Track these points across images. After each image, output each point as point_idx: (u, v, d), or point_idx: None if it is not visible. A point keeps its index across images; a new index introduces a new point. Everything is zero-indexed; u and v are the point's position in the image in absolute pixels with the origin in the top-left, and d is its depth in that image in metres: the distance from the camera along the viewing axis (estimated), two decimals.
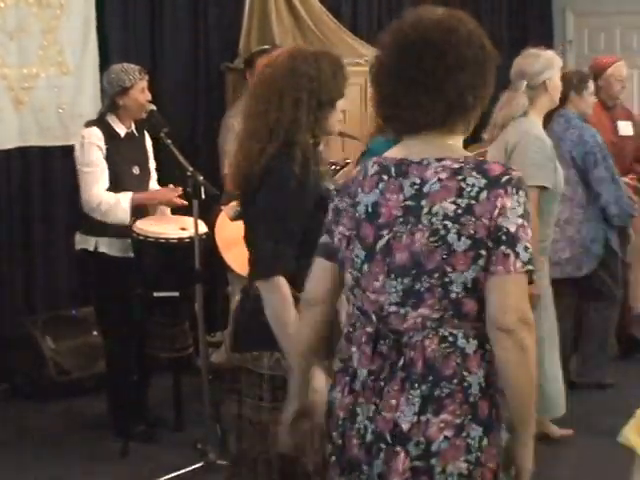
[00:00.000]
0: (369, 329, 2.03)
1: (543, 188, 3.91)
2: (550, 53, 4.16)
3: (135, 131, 4.21)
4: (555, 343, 4.13)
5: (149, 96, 4.09)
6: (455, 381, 1.93)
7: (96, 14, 4.89)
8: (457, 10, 2.07)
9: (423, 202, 1.94)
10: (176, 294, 3.94)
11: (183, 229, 3.80)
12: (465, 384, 1.94)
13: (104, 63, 4.73)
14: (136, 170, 4.17)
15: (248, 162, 2.64)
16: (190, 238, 3.61)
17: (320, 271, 2.15)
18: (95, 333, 4.62)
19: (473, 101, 1.98)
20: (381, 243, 2.00)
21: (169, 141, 3.97)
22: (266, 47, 4.97)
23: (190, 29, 5.40)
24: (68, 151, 4.40)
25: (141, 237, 3.90)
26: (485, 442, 1.94)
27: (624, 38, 7.51)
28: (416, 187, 1.96)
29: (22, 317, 4.71)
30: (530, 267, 1.88)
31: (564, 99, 4.67)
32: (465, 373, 1.95)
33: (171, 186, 4.15)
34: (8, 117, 4.55)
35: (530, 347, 1.90)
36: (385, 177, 2.01)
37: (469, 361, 1.95)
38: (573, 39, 7.80)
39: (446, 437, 1.92)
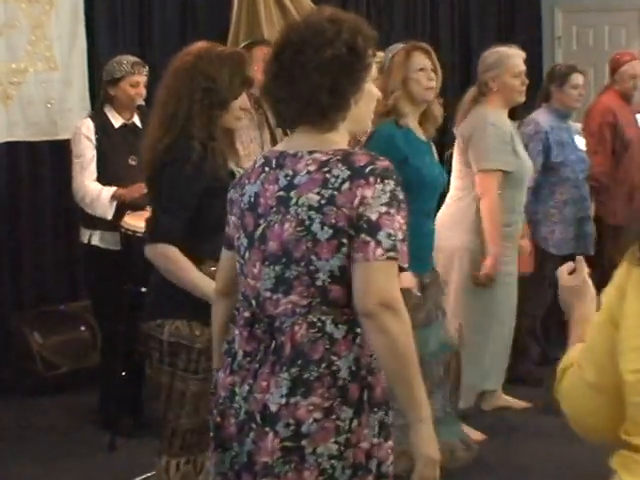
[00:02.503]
0: (247, 313, 2.10)
1: (504, 172, 4.01)
2: (506, 53, 4.20)
3: (138, 122, 4.22)
4: (506, 323, 4.18)
5: (143, 91, 4.12)
6: (324, 365, 1.99)
7: (84, 10, 4.92)
8: (346, 12, 2.15)
9: (292, 193, 2.00)
10: None
11: None
12: (334, 368, 2.00)
13: (92, 59, 4.82)
14: (133, 161, 4.13)
15: (151, 149, 2.79)
16: None
17: (224, 261, 2.24)
18: (83, 328, 4.67)
19: (330, 100, 2.02)
20: (258, 232, 2.06)
21: None
22: (259, 39, 4.92)
23: (178, 26, 5.43)
24: (56, 146, 4.49)
25: (129, 232, 3.91)
26: (355, 424, 2.01)
27: (612, 35, 7.59)
28: (288, 179, 2.02)
29: (10, 313, 4.72)
30: (393, 254, 1.93)
31: (548, 93, 4.88)
32: (334, 357, 2.00)
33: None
34: None
35: (394, 330, 1.93)
36: (267, 169, 2.08)
37: (338, 346, 2.01)
38: (562, 36, 7.87)
39: (315, 419, 1.98)
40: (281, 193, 2.04)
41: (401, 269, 1.99)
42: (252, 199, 2.09)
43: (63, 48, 4.81)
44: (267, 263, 2.05)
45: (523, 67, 4.20)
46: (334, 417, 2.00)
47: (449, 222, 4.22)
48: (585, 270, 1.81)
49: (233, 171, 2.89)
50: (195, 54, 2.80)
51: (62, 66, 4.81)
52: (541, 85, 5.03)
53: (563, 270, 1.83)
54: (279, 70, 2.08)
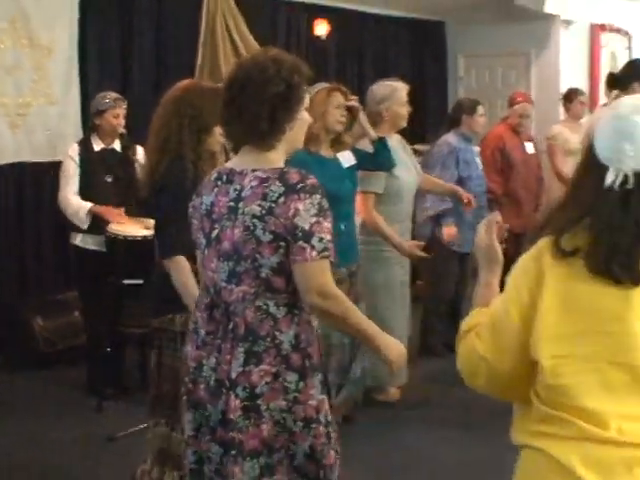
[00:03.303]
0: (207, 299, 2.30)
1: (376, 193, 4.27)
2: (394, 87, 4.45)
3: (118, 147, 4.56)
4: (401, 313, 4.37)
5: (122, 121, 4.48)
6: (269, 339, 2.20)
7: (78, 54, 5.38)
8: (287, 54, 2.31)
9: (240, 204, 2.19)
10: (141, 281, 4.16)
11: (147, 228, 4.06)
12: (277, 341, 2.21)
13: (84, 94, 5.31)
14: (109, 179, 4.51)
15: (150, 170, 2.98)
16: (151, 236, 3.73)
17: (199, 259, 2.46)
18: (76, 314, 5.00)
19: (268, 125, 2.21)
20: (214, 234, 2.26)
21: (135, 157, 4.47)
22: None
23: (154, 68, 5.92)
24: (55, 165, 4.80)
25: (113, 236, 4.27)
26: (302, 385, 2.23)
27: (504, 75, 8.32)
28: (237, 192, 2.21)
29: (17, 301, 5.11)
30: (325, 254, 2.15)
31: (458, 120, 5.33)
32: (277, 333, 2.21)
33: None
34: (5, 138, 4.96)
35: (335, 311, 2.20)
36: (219, 183, 2.28)
37: (280, 324, 2.22)
38: (463, 76, 8.57)
39: (266, 382, 2.20)
40: (231, 204, 2.22)
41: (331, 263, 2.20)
42: (208, 207, 2.27)
43: (60, 86, 5.22)
44: (222, 259, 2.24)
45: (406, 98, 4.44)
46: (281, 380, 2.21)
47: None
48: (494, 232, 1.85)
49: None
50: (182, 88, 3.03)
51: (60, 100, 5.22)
52: (448, 115, 5.57)
53: (481, 225, 1.88)
54: (229, 100, 2.25)
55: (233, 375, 2.19)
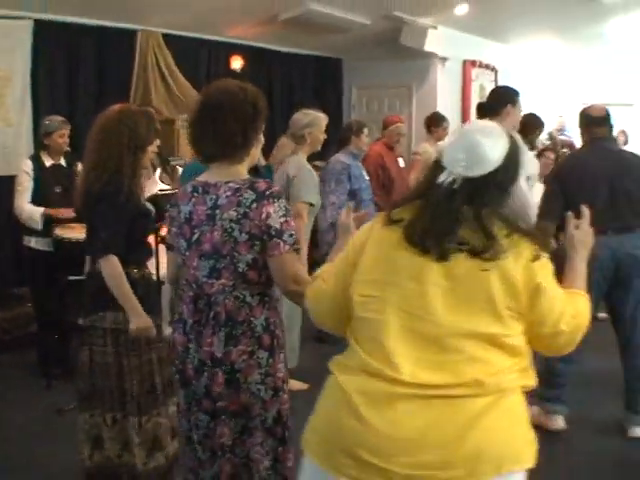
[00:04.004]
0: (190, 293, 2.37)
1: (310, 204, 4.43)
2: (316, 115, 4.59)
3: (64, 162, 4.77)
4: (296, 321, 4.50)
5: (67, 141, 4.73)
6: (245, 324, 2.30)
7: (30, 85, 5.73)
8: (246, 83, 2.39)
9: (217, 211, 2.26)
10: (83, 277, 3.79)
11: None
12: (252, 325, 2.32)
13: (36, 118, 5.58)
14: (58, 189, 4.70)
15: (88, 184, 2.91)
16: None
17: (170, 259, 2.57)
18: (29, 305, 5.23)
19: (243, 142, 2.29)
20: (194, 237, 2.32)
21: (78, 171, 4.44)
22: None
23: (95, 95, 6.28)
24: (10, 179, 4.96)
25: (59, 239, 4.51)
26: (271, 361, 2.35)
27: (390, 104, 8.91)
28: (213, 201, 2.28)
29: None
30: (296, 246, 2.26)
31: (348, 140, 5.59)
32: (252, 319, 2.31)
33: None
34: None
35: (304, 291, 2.10)
36: (196, 194, 2.34)
37: (254, 310, 2.32)
38: (355, 104, 9.25)
39: (243, 360, 2.30)
40: (209, 211, 2.29)
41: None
42: (187, 215, 2.34)
43: (17, 111, 5.57)
44: (203, 258, 2.30)
45: (325, 127, 4.61)
46: (255, 357, 2.32)
47: None
48: (350, 214, 2.06)
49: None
50: (118, 111, 2.98)
51: (15, 123, 5.58)
52: (339, 135, 5.77)
53: (343, 211, 2.09)
54: (202, 120, 2.31)
55: (218, 354, 2.30)
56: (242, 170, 2.35)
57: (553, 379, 4.07)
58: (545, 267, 1.78)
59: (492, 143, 1.77)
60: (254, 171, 3.58)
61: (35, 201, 4.68)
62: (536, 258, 1.75)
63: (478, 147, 1.75)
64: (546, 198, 4.12)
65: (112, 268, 2.82)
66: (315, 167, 5.27)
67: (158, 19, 6.52)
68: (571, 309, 1.84)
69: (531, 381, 1.81)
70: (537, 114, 5.95)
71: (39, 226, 4.63)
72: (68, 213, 4.49)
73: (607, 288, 3.95)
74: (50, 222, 4.64)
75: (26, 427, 4.12)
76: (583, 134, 4.29)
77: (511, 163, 1.80)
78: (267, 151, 4.49)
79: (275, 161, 4.53)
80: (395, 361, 1.71)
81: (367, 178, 5.72)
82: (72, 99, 6.22)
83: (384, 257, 1.78)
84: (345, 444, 1.72)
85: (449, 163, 1.77)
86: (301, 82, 8.64)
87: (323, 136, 4.57)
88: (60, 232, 4.57)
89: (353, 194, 5.48)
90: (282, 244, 2.24)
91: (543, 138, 6.93)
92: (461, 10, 7.62)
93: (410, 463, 1.67)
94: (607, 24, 9.47)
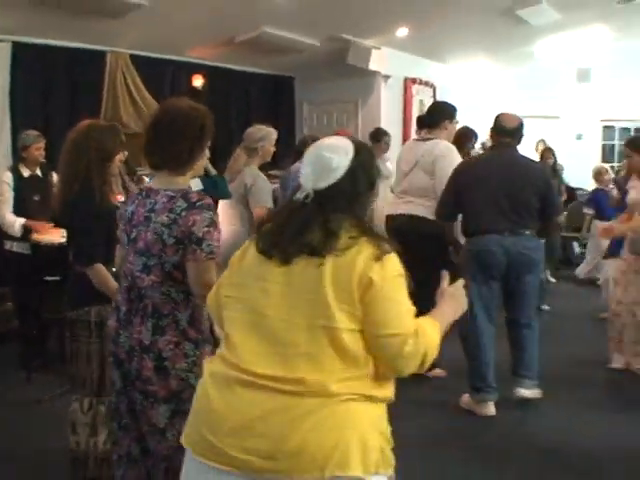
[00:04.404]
0: (126, 284, 2.41)
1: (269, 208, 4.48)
2: (268, 130, 4.73)
3: (40, 173, 4.90)
4: None
5: (43, 153, 4.87)
6: (170, 317, 2.33)
7: (9, 102, 6.02)
8: (198, 104, 2.41)
9: (153, 215, 2.30)
10: (59, 278, 4.44)
11: (63, 237, 4.03)
12: (177, 318, 2.34)
13: (14, 133, 5.79)
14: (37, 197, 4.84)
15: (63, 195, 2.98)
16: (66, 243, 3.50)
17: (118, 253, 2.60)
18: (9, 304, 5.35)
19: (188, 157, 2.34)
20: (133, 235, 2.37)
21: (53, 181, 4.65)
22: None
23: (68, 111, 6.41)
24: None
25: (37, 242, 4.71)
26: (197, 352, 2.36)
27: (338, 118, 9.14)
28: (151, 205, 2.32)
29: None
30: (212, 256, 2.27)
31: (302, 152, 5.19)
32: (177, 313, 2.34)
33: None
34: None
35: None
36: (140, 197, 2.38)
37: (179, 305, 2.35)
38: (307, 118, 9.39)
39: (170, 349, 2.32)
40: (147, 214, 2.32)
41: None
42: (130, 215, 2.39)
43: None
44: (137, 255, 2.34)
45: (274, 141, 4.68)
46: (181, 347, 2.34)
47: (232, 238, 4.35)
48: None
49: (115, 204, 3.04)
50: (87, 126, 3.07)
51: None
52: (295, 148, 5.87)
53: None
54: (154, 134, 2.34)
55: (146, 342, 2.34)
56: (182, 181, 2.40)
57: (480, 369, 4.22)
58: (385, 268, 1.76)
59: (335, 156, 1.83)
60: (205, 176, 3.90)
61: (15, 209, 4.79)
62: (378, 258, 1.75)
63: (322, 160, 1.82)
64: (442, 196, 4.34)
65: (99, 276, 2.91)
66: (271, 176, 5.51)
67: (126, 41, 6.71)
68: (415, 323, 1.79)
69: (382, 393, 1.80)
70: (471, 127, 6.12)
71: (18, 234, 4.78)
72: (45, 230, 4.67)
73: (501, 278, 4.21)
74: (29, 231, 4.79)
75: (8, 415, 4.17)
76: (492, 138, 4.46)
77: (356, 173, 1.84)
78: (224, 161, 4.58)
79: (232, 171, 4.64)
80: (238, 351, 1.77)
81: None
82: (47, 115, 6.38)
83: (245, 264, 1.86)
84: (197, 424, 1.79)
85: (302, 180, 1.85)
86: (257, 98, 8.77)
87: (273, 149, 4.75)
88: (37, 237, 4.75)
89: None
90: (199, 252, 2.28)
91: (477, 148, 7.07)
92: (402, 32, 7.98)
93: (238, 446, 1.70)
94: (535, 44, 9.98)
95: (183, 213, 2.27)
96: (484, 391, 4.24)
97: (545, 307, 6.74)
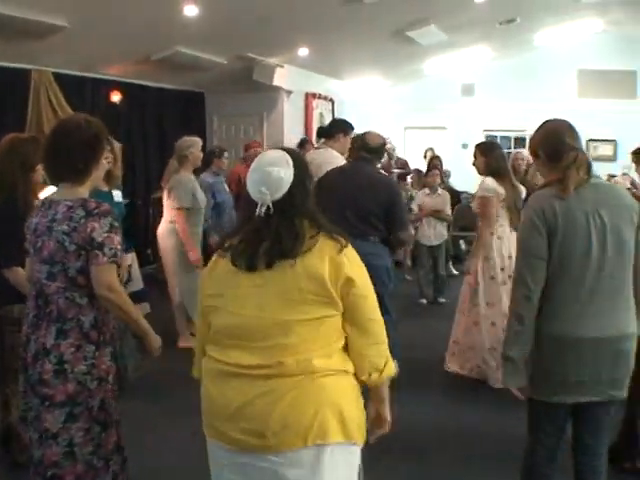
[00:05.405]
0: (33, 292, 2.49)
1: (186, 208, 5.04)
2: (196, 140, 5.26)
3: None
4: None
5: None
6: (75, 320, 2.40)
7: None
8: (93, 117, 2.49)
9: (54, 224, 2.38)
10: None
11: None
12: (80, 322, 2.41)
13: None
14: None
15: None
16: None
17: (27, 263, 2.65)
18: None
19: (84, 167, 2.40)
20: (38, 245, 2.45)
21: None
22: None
23: None
24: None
25: None
26: (97, 354, 2.43)
27: (245, 130, 9.46)
28: (52, 215, 2.40)
29: None
30: (113, 259, 2.35)
31: (210, 162, 6.13)
32: (81, 316, 2.41)
33: None
34: None
35: (118, 301, 2.36)
36: (43, 209, 2.46)
37: (83, 309, 2.41)
38: (216, 130, 9.70)
39: (71, 352, 2.38)
40: (48, 224, 2.40)
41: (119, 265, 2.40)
42: (33, 226, 2.47)
43: None
44: (43, 263, 2.42)
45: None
46: (82, 350, 2.40)
47: (166, 235, 5.20)
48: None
49: None
50: (10, 139, 3.21)
51: None
52: (204, 158, 5.85)
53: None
54: (52, 147, 2.42)
55: (48, 346, 2.38)
56: (82, 191, 2.46)
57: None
58: (350, 259, 1.94)
59: (280, 168, 1.93)
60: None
61: None
62: (339, 251, 1.92)
63: (271, 175, 1.91)
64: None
65: (16, 278, 3.02)
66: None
67: (49, 60, 6.81)
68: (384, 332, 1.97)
69: (353, 366, 1.95)
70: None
71: None
72: None
73: None
74: None
75: None
76: (352, 152, 4.53)
77: (301, 176, 1.98)
78: (135, 170, 4.99)
79: (165, 180, 5.04)
80: (225, 350, 1.93)
81: (228, 190, 6.45)
82: None
83: (217, 276, 1.99)
84: (205, 413, 1.99)
85: (258, 198, 1.91)
86: (170, 112, 9.05)
87: (201, 154, 5.32)
88: None
89: (218, 205, 6.13)
90: (101, 255, 2.35)
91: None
92: (303, 52, 8.37)
93: (236, 428, 1.87)
94: (424, 62, 10.70)
95: (82, 221, 2.35)
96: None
97: (442, 300, 7.32)
